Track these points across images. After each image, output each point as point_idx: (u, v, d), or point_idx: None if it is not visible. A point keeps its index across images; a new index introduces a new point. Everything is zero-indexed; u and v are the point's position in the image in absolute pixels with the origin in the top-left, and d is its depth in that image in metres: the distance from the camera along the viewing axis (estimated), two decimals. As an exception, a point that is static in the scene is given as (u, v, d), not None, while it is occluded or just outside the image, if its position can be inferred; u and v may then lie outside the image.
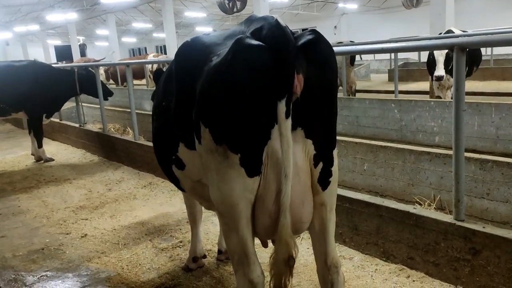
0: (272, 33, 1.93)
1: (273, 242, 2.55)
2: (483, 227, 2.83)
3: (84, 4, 23.60)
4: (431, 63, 7.86)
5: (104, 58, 18.17)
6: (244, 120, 1.95)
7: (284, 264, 2.06)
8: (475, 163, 4.02)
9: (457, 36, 7.52)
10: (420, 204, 4.22)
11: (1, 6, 22.51)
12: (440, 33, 9.11)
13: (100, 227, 4.56)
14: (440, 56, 7.28)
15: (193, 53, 2.34)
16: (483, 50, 17.87)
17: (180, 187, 2.88)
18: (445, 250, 3.00)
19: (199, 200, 2.89)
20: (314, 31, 2.07)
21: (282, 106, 1.90)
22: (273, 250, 2.10)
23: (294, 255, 2.06)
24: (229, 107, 1.96)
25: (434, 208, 4.16)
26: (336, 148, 2.21)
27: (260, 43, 1.92)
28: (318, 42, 2.03)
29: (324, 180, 2.15)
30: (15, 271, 3.70)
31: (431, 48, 6.58)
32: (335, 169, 2.20)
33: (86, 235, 4.36)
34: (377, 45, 4.03)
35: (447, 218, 3.02)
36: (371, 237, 3.46)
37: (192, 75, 2.21)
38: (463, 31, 8.92)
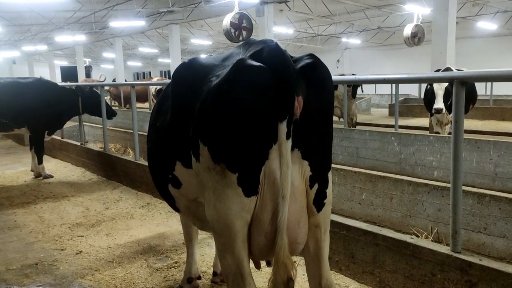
0: (272, 56, 1.98)
1: (267, 263, 2.54)
2: (480, 260, 2.82)
3: (93, 27, 24.05)
4: (430, 98, 7.98)
5: (105, 79, 18.66)
6: (243, 140, 1.97)
7: (283, 287, 2.03)
8: (473, 197, 4.05)
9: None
10: (418, 236, 4.21)
11: (11, 25, 22.92)
12: (438, 70, 9.27)
13: (95, 244, 4.53)
14: (439, 90, 7.40)
15: (191, 73, 2.37)
16: (482, 90, 18.17)
17: (174, 207, 2.86)
18: (441, 281, 2.98)
19: (193, 220, 2.85)
20: (312, 55, 2.12)
21: (283, 127, 1.92)
22: (271, 273, 2.08)
23: (293, 277, 2.04)
24: (229, 126, 1.97)
25: (432, 240, 4.15)
26: (330, 171, 2.24)
27: (262, 64, 1.96)
28: (316, 66, 2.08)
29: (319, 202, 2.17)
30: (8, 285, 3.66)
31: (432, 81, 6.71)
32: (329, 191, 2.22)
33: (81, 252, 4.33)
34: (380, 76, 4.11)
35: (444, 249, 3.02)
36: (368, 266, 3.44)
37: (191, 95, 2.23)
38: (458, 70, 9.12)
